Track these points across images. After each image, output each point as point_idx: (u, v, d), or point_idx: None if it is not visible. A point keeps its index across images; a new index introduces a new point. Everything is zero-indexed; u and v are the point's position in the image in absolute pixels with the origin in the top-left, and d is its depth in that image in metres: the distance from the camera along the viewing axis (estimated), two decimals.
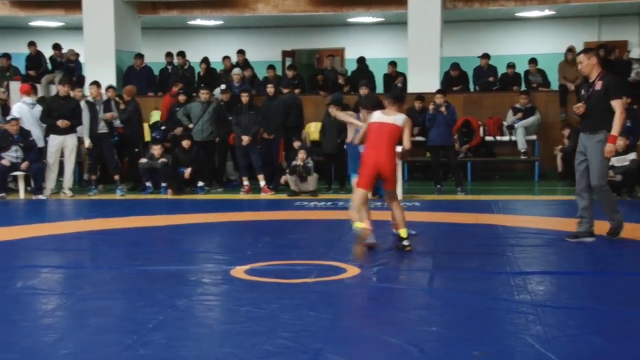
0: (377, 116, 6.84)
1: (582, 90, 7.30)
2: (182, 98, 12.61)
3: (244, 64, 14.70)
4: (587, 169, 7.14)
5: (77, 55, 15.07)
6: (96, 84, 11.81)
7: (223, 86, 13.10)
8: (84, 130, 11.63)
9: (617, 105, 6.89)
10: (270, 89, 12.11)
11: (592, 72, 7.11)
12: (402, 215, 6.82)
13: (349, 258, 6.56)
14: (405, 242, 6.78)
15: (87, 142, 11.61)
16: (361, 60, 15.39)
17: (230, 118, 11.99)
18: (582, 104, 7.11)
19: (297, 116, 12.26)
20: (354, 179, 7.19)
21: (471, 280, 5.76)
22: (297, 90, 14.16)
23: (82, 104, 11.68)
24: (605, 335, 4.30)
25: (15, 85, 13.66)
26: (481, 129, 13.36)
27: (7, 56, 15.11)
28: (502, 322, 4.59)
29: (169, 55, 15.01)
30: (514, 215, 9.15)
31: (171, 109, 12.76)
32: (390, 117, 6.79)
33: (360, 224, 6.40)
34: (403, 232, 6.80)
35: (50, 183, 11.49)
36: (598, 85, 7.00)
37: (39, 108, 11.76)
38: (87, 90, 13.98)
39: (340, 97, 12.41)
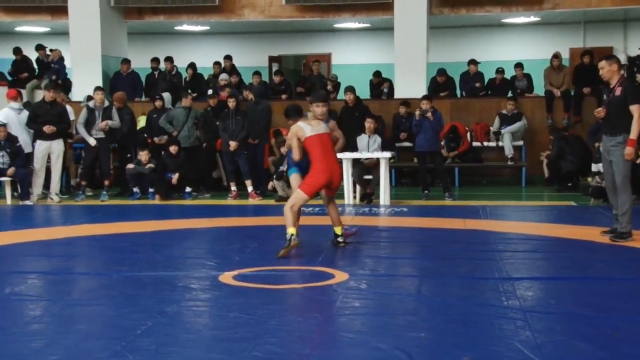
0: (310, 129, 7.15)
1: (604, 95, 7.60)
2: (158, 104, 12.57)
3: (231, 70, 14.70)
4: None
5: (62, 58, 15.00)
6: (100, 89, 11.78)
7: (210, 91, 13.10)
8: (83, 132, 11.58)
9: (635, 110, 7.19)
10: (247, 94, 12.14)
11: (612, 78, 7.42)
12: (337, 215, 7.41)
13: (337, 264, 6.57)
14: (339, 239, 7.37)
15: (93, 141, 11.56)
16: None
17: (217, 123, 11.98)
18: (603, 108, 7.43)
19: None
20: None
21: (459, 285, 5.77)
22: (284, 96, 14.23)
23: (84, 110, 11.66)
24: (593, 341, 4.32)
25: (1, 91, 13.58)
26: (468, 134, 13.42)
27: None
28: (491, 328, 4.60)
29: (155, 60, 14.98)
30: (502, 220, 9.19)
31: (149, 116, 12.72)
32: (321, 126, 7.20)
33: (294, 231, 6.90)
34: (338, 230, 7.38)
35: (37, 189, 11.43)
36: (618, 91, 7.31)
37: (25, 113, 11.69)
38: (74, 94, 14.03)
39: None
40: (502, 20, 16.50)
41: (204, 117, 12.18)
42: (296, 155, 7.21)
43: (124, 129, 12.03)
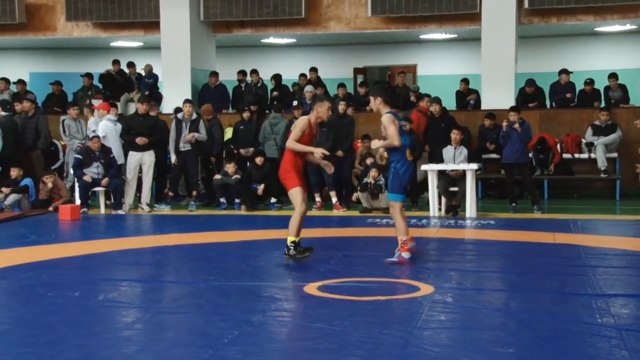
0: None
1: None
2: (246, 115, 12.74)
3: (317, 82, 14.81)
4: None
5: (156, 76, 15.46)
6: (189, 102, 12.11)
7: (295, 103, 13.24)
8: (170, 146, 11.96)
9: None
10: (342, 106, 12.14)
11: None
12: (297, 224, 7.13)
13: (422, 276, 6.49)
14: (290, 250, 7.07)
15: (174, 158, 11.92)
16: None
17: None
18: None
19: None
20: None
21: (549, 301, 5.61)
22: (368, 108, 14.19)
23: (173, 123, 12.00)
24: None
25: (96, 104, 14.09)
26: (558, 146, 13.06)
27: (89, 76, 15.67)
28: (584, 346, 4.44)
29: (241, 73, 15.25)
30: (595, 235, 8.88)
31: (236, 127, 12.92)
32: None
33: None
34: (291, 239, 7.11)
35: (129, 199, 11.79)
36: None
37: (119, 125, 12.12)
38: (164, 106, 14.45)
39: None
40: (595, 29, 16.00)
41: (287, 129, 12.29)
42: (397, 141, 6.97)
43: (216, 141, 12.32)
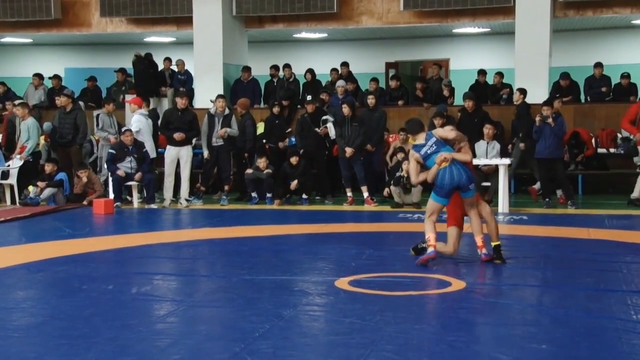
0: None
1: None
2: (276, 110, 12.76)
3: (348, 76, 14.77)
4: None
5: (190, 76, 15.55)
6: (222, 97, 12.17)
7: (309, 97, 13.26)
8: (202, 141, 12.02)
9: None
10: (371, 100, 12.12)
11: None
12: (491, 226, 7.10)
13: (454, 272, 6.46)
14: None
15: (206, 153, 12.00)
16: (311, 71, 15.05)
17: (315, 129, 12.12)
18: None
19: None
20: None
21: (583, 297, 5.55)
22: (400, 102, 14.17)
23: (205, 118, 12.06)
24: None
25: (129, 98, 14.20)
26: (593, 140, 12.88)
27: (122, 71, 15.83)
28: (618, 343, 4.38)
29: (274, 67, 15.29)
30: (630, 230, 8.75)
31: (271, 122, 12.93)
32: None
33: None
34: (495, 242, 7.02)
35: (168, 193, 11.86)
36: None
37: (151, 120, 12.22)
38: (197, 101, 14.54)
39: (444, 108, 12.31)
40: (631, 22, 15.73)
41: (300, 124, 12.31)
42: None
43: (249, 136, 12.37)
